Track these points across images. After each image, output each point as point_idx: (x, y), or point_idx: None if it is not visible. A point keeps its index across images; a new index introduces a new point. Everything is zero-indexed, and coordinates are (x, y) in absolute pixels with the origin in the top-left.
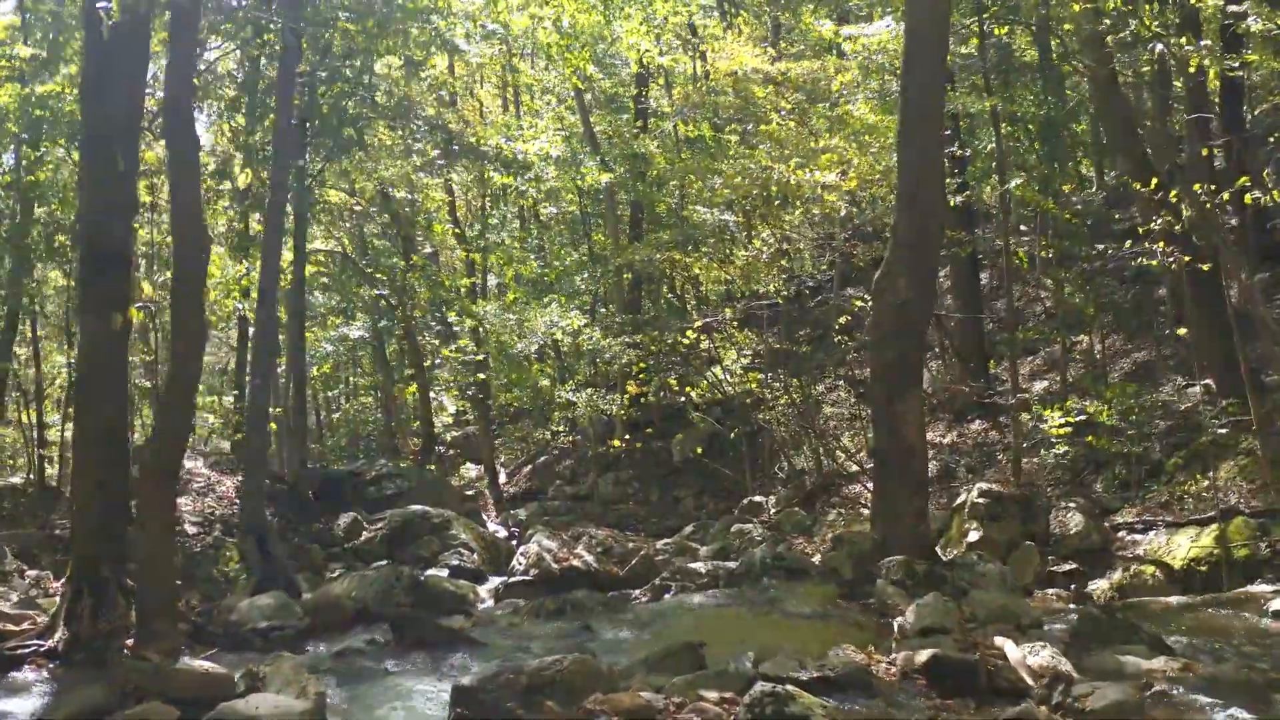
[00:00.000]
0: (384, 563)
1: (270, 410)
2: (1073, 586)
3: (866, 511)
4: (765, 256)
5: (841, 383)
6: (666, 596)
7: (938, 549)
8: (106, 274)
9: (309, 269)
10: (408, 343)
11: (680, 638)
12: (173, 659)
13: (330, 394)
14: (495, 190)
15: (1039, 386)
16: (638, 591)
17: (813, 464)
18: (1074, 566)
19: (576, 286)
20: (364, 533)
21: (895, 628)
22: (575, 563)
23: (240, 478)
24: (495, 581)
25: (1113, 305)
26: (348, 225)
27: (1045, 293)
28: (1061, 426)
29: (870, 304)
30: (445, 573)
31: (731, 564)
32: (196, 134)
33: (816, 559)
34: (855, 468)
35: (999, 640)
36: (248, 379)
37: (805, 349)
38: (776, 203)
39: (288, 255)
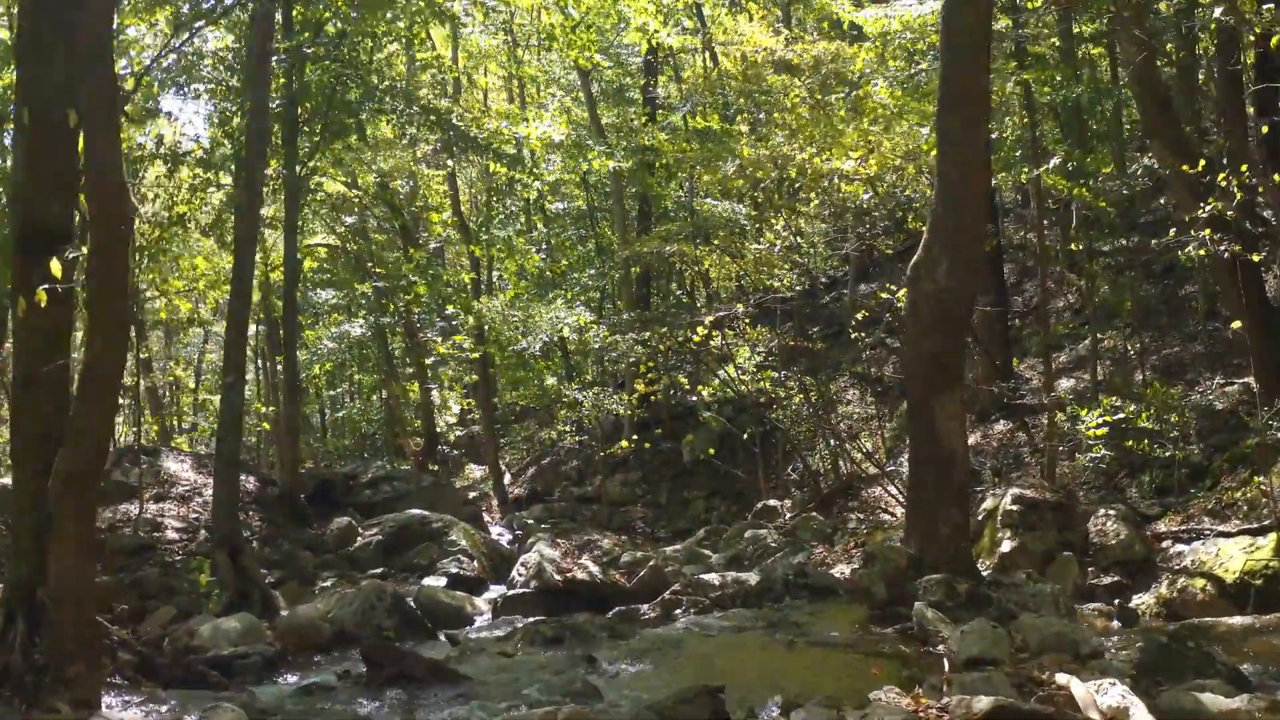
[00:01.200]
0: (379, 570)
1: (260, 410)
2: (1116, 602)
3: (888, 517)
4: (778, 249)
5: (859, 381)
6: (678, 613)
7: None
8: (44, 256)
9: (309, 265)
10: (409, 340)
11: (694, 672)
12: (88, 709)
13: (334, 393)
14: (501, 185)
15: (1064, 385)
16: (646, 606)
17: (829, 466)
18: (1116, 579)
19: (583, 282)
20: (358, 539)
21: (942, 660)
22: (579, 574)
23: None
24: (495, 591)
25: (1142, 300)
26: (350, 220)
27: (1070, 287)
28: (1099, 427)
29: (905, 292)
30: (443, 581)
31: (747, 576)
32: (115, 77)
33: (838, 570)
34: (874, 470)
35: (1061, 677)
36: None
37: (820, 346)
38: (792, 191)
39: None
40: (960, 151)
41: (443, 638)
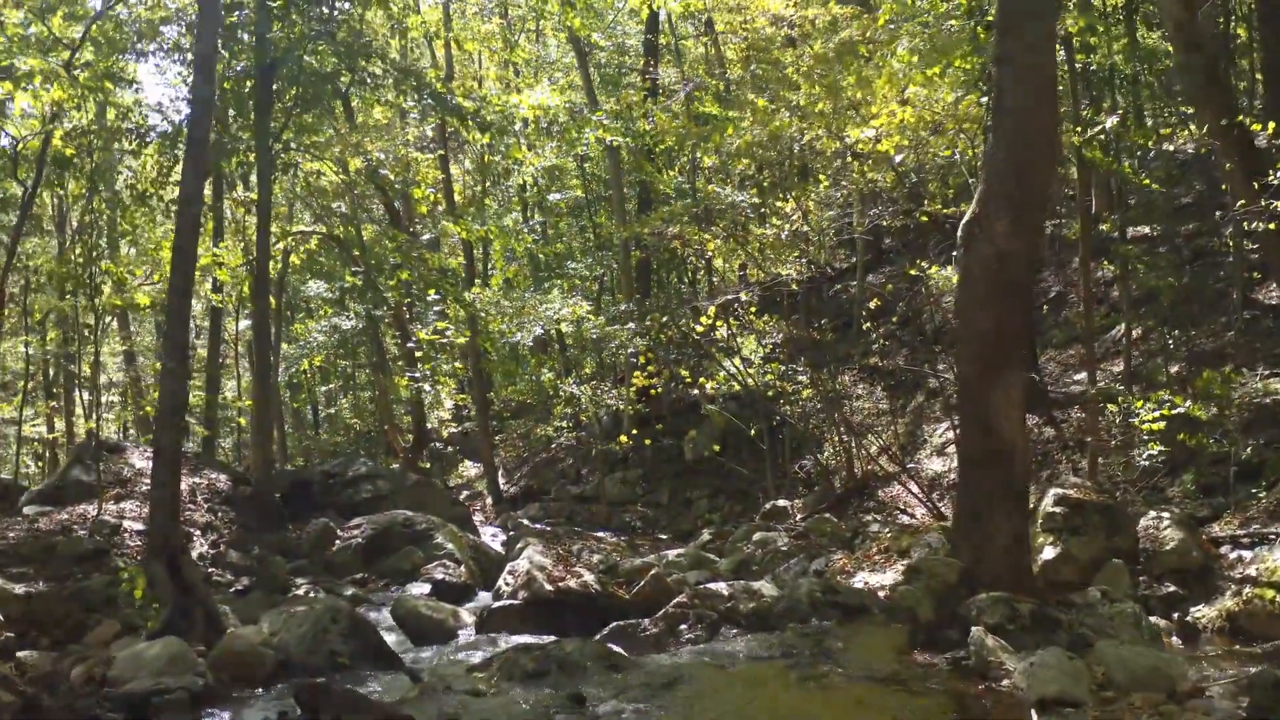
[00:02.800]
0: (358, 576)
1: (236, 407)
2: (1175, 616)
3: (909, 520)
4: (784, 235)
5: (870, 375)
6: (683, 629)
7: None
8: None
9: (295, 259)
10: (399, 331)
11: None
12: None
13: (328, 388)
14: (495, 167)
15: (1079, 376)
16: (647, 621)
17: (843, 463)
18: (1172, 589)
19: (580, 272)
20: (337, 542)
21: (1007, 699)
22: (572, 583)
23: (196, 479)
24: (484, 599)
25: (1174, 288)
26: (340, 207)
27: (1095, 272)
28: (1155, 421)
29: (958, 257)
30: (427, 589)
31: (760, 585)
32: None
33: (860, 580)
34: (893, 467)
35: None
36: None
37: (830, 336)
38: (801, 171)
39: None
40: (1026, 72)
41: (408, 666)
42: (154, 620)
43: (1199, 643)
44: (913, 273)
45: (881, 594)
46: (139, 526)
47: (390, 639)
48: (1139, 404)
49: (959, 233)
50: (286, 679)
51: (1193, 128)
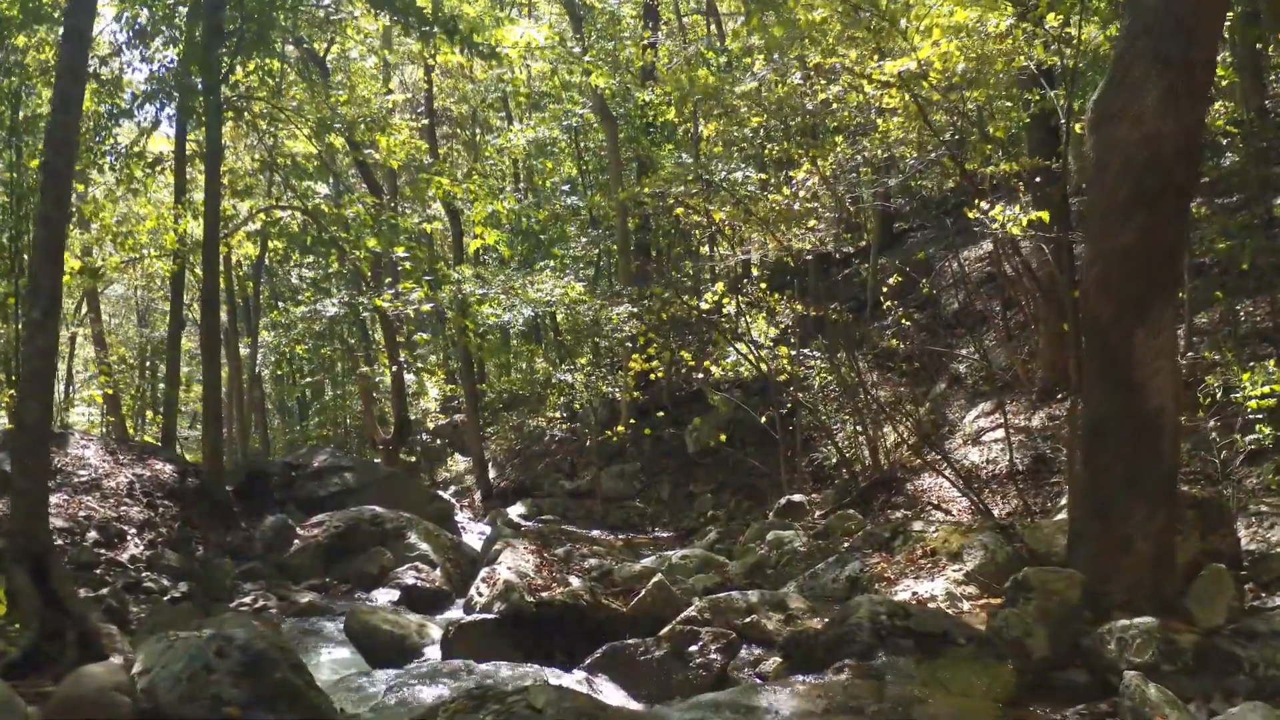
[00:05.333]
0: (317, 581)
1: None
2: None
3: (946, 517)
4: (795, 205)
5: (883, 361)
6: (692, 650)
7: None
8: None
9: (276, 244)
10: (378, 314)
11: None
12: None
13: (314, 379)
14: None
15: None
16: (650, 641)
17: (866, 454)
18: None
19: (574, 253)
20: (295, 542)
21: None
22: (558, 593)
23: (139, 469)
24: (460, 607)
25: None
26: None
27: None
28: (1265, 398)
29: (1087, 146)
30: (395, 595)
31: (787, 597)
32: None
33: (906, 589)
34: (928, 456)
35: None
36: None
37: (848, 317)
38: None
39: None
40: None
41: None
42: (19, 642)
43: None
44: (973, 215)
45: (958, 614)
46: (62, 523)
47: (342, 657)
48: (1245, 376)
49: (1089, 114)
50: None
51: None
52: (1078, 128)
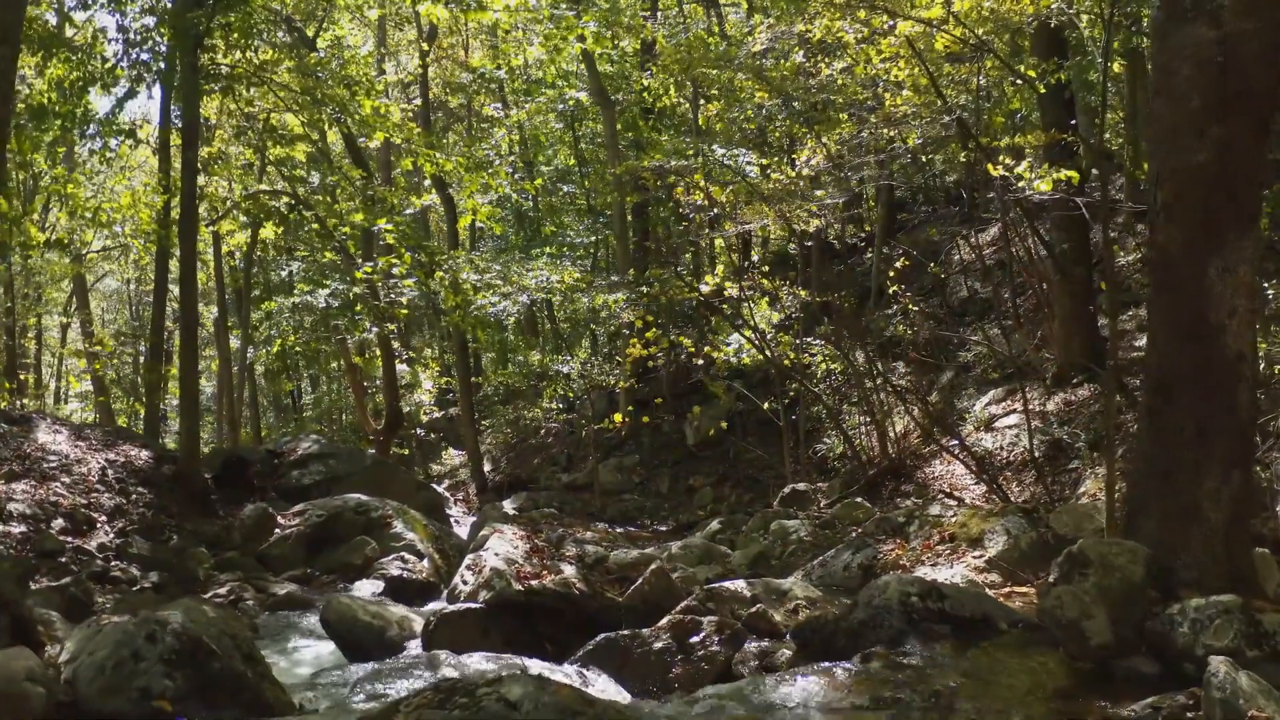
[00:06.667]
0: (298, 572)
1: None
2: None
3: (958, 502)
4: (799, 184)
5: (895, 349)
6: (694, 642)
7: None
8: None
9: (265, 233)
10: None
11: None
12: None
13: (310, 372)
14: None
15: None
16: (647, 632)
17: (876, 440)
18: None
19: (571, 240)
20: (276, 531)
21: None
22: (549, 581)
23: (111, 454)
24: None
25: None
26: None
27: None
28: None
29: (1154, 47)
30: (380, 586)
31: (794, 586)
32: None
33: (924, 575)
34: (940, 442)
35: None
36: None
37: (853, 302)
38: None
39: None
40: None
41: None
42: None
43: None
44: (997, 172)
45: (1006, 596)
46: (24, 509)
47: (320, 651)
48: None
49: (1154, 12)
50: None
51: None
52: (1115, 67)
